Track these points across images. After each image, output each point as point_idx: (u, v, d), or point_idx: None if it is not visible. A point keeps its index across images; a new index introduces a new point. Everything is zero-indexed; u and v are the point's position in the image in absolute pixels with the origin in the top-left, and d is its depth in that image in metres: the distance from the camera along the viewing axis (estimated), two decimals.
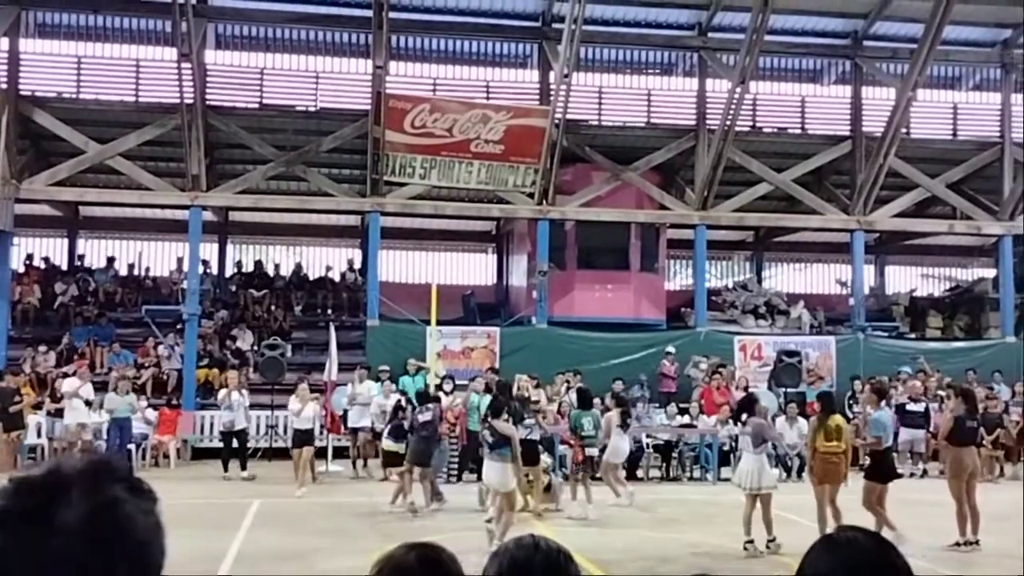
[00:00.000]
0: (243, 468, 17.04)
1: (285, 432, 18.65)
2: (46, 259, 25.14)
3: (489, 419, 11.55)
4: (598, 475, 14.91)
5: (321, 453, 17.50)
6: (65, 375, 19.17)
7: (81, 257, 25.61)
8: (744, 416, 11.97)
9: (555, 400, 18.14)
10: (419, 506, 13.48)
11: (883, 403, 12.11)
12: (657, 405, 19.89)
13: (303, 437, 15.87)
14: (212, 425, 20.06)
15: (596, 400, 15.63)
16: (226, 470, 17.06)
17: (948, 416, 12.41)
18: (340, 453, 18.49)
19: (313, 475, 16.28)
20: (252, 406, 18.45)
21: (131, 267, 25.55)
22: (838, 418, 11.68)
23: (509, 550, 1.91)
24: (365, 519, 13.13)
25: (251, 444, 18.52)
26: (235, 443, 17.32)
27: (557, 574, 1.88)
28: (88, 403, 17.01)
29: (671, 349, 21.22)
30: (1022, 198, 23.35)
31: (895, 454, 11.87)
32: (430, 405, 14.27)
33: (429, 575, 1.91)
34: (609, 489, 14.50)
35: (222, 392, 17.84)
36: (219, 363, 21.02)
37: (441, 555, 1.95)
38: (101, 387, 18.25)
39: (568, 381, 18.85)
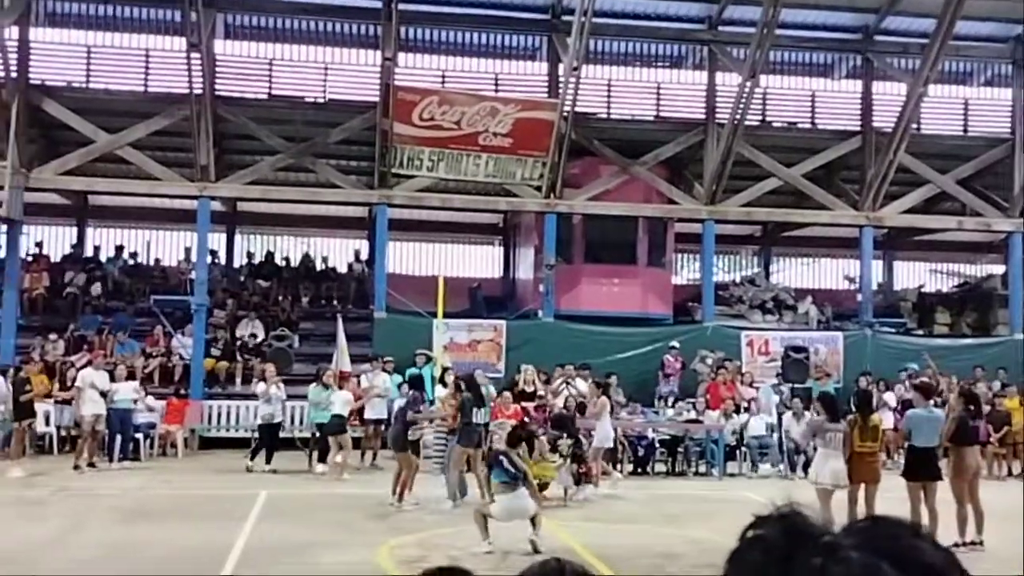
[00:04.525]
0: (268, 461, 16.90)
1: (293, 423, 18.79)
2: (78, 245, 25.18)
3: (507, 450, 11.13)
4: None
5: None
6: (73, 365, 19.20)
7: (96, 249, 25.60)
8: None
9: (560, 394, 18.13)
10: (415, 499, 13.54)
11: (930, 401, 12.06)
12: (677, 400, 19.93)
13: (342, 424, 16.59)
14: (220, 415, 20.15)
15: None
16: (252, 460, 16.84)
17: (951, 416, 12.36)
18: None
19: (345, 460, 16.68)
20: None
21: (134, 255, 25.40)
22: (875, 417, 11.66)
23: (535, 574, 1.88)
24: (373, 512, 13.13)
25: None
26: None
27: None
28: (103, 393, 17.02)
29: (675, 344, 21.20)
30: None
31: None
32: (411, 392, 14.35)
33: None
34: (605, 480, 14.96)
35: (261, 385, 17.77)
36: (230, 354, 21.07)
37: None
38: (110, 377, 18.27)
39: (569, 378, 18.69)
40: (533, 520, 10.50)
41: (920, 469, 11.30)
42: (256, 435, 17.66)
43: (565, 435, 14.40)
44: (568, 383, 18.36)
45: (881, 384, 19.58)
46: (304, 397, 18.09)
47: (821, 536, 0.95)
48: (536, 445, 13.27)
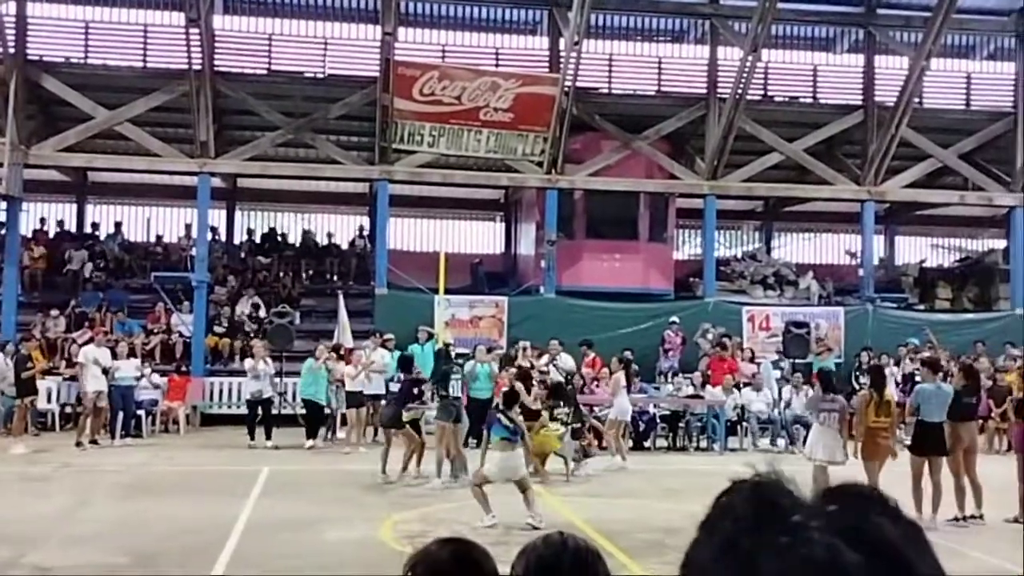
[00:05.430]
0: (268, 437, 17.06)
1: (294, 399, 18.83)
2: (60, 223, 25.16)
3: (503, 409, 11.20)
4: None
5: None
6: (75, 341, 19.24)
7: (95, 225, 25.52)
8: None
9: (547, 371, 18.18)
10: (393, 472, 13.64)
11: (938, 376, 12.04)
12: (676, 375, 19.92)
13: (358, 399, 16.78)
14: (222, 392, 20.19)
15: None
16: (252, 439, 17.03)
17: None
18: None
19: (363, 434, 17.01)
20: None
21: (121, 233, 25.24)
22: (888, 393, 11.64)
23: (537, 548, 1.88)
24: (374, 487, 13.19)
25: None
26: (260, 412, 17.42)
27: (585, 572, 1.86)
28: (105, 370, 17.05)
29: (675, 319, 21.20)
30: None
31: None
32: (404, 379, 14.48)
33: (463, 571, 1.91)
34: (611, 453, 15.16)
35: (248, 362, 17.82)
36: (231, 331, 21.08)
37: (474, 551, 1.96)
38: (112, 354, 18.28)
39: (555, 355, 18.69)
40: (526, 498, 10.50)
41: (927, 444, 11.32)
42: (248, 412, 17.70)
43: (562, 403, 14.49)
44: (555, 363, 18.37)
45: (884, 357, 19.57)
46: None
47: (790, 512, 0.93)
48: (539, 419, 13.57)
